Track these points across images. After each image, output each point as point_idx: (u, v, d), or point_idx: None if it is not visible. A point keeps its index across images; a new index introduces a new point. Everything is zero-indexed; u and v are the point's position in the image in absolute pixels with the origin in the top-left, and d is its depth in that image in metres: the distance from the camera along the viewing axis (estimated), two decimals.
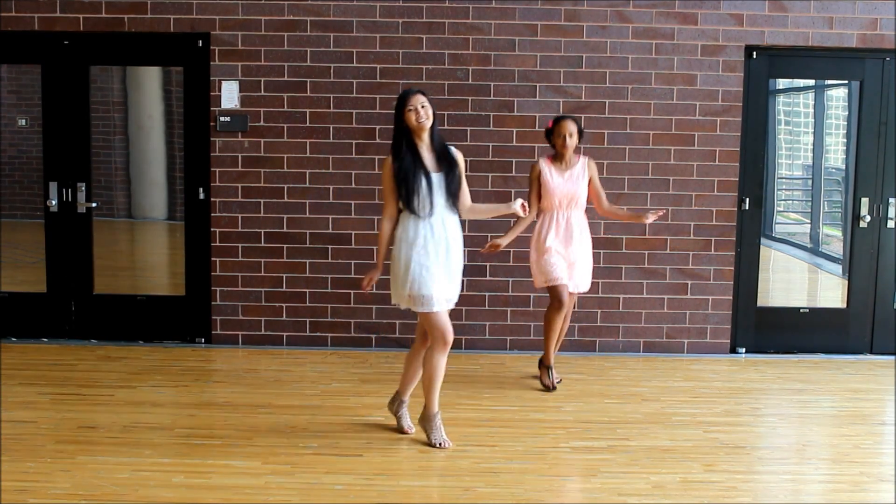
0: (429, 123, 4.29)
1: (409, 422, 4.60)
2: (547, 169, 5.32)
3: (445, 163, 4.32)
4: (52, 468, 4.04)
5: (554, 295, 5.34)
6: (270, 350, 6.26)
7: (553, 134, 5.31)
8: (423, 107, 4.25)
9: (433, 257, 4.26)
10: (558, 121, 5.31)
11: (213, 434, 4.56)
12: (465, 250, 4.46)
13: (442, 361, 4.35)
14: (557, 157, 5.35)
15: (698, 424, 4.86)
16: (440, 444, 4.38)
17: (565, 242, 5.30)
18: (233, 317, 6.34)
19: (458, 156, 4.41)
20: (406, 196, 4.25)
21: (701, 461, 4.31)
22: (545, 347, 5.48)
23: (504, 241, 5.27)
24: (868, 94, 6.36)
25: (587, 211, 5.44)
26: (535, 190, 5.35)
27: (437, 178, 4.28)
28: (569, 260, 5.31)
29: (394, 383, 5.49)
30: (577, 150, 5.41)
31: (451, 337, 4.30)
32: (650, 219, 5.32)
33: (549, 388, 5.41)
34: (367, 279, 4.48)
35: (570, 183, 5.30)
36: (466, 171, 4.57)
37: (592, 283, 6.17)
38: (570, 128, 5.26)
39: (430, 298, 4.25)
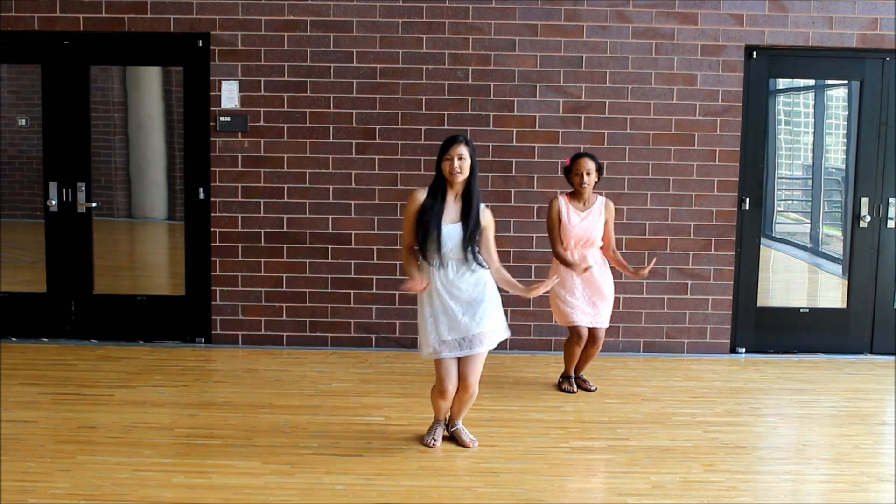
0: (460, 178, 4.20)
1: (470, 434, 4.51)
2: (565, 208, 5.24)
3: (470, 217, 4.23)
4: (52, 468, 4.04)
5: (574, 332, 5.33)
6: (270, 350, 6.26)
7: (570, 172, 5.24)
8: (459, 158, 4.19)
9: (438, 305, 4.24)
10: (576, 158, 5.23)
11: (213, 434, 4.56)
12: (484, 296, 4.30)
13: (439, 403, 4.36)
14: (576, 194, 5.27)
15: (698, 424, 4.86)
16: (426, 442, 4.46)
17: (586, 280, 5.22)
18: (233, 317, 6.34)
19: (486, 218, 4.32)
20: (421, 243, 4.25)
21: (701, 461, 4.31)
22: (565, 367, 5.49)
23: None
24: (868, 94, 6.36)
25: None
26: (555, 226, 5.24)
27: (451, 230, 4.22)
28: (592, 297, 5.25)
29: (394, 383, 5.52)
30: (596, 190, 5.34)
31: (448, 388, 4.25)
32: (644, 272, 5.23)
33: (571, 392, 5.42)
34: (411, 285, 4.20)
35: (587, 223, 5.22)
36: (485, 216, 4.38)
37: None
38: (588, 166, 5.17)
39: (433, 348, 4.25)
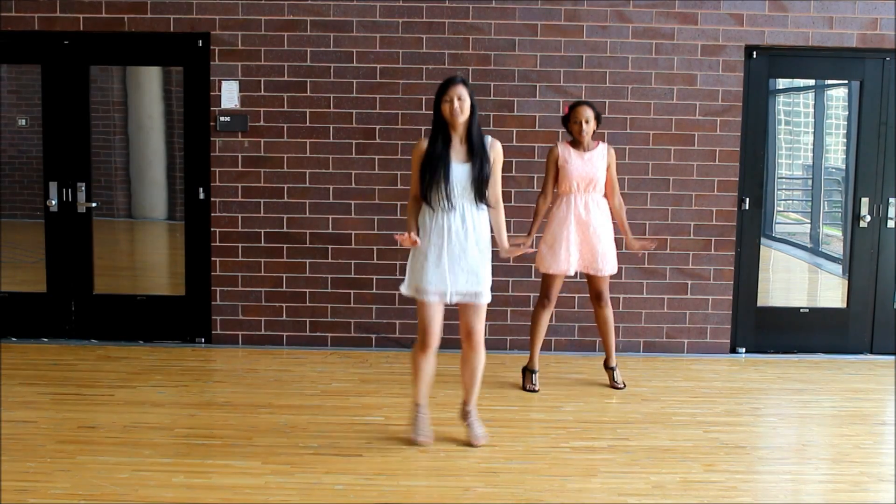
0: (462, 118, 4.20)
1: (482, 429, 4.46)
2: (566, 152, 5.24)
3: (477, 156, 4.22)
4: (52, 468, 4.04)
5: (544, 287, 5.34)
6: (270, 350, 6.26)
7: (569, 120, 5.25)
8: (459, 99, 4.18)
9: (442, 249, 4.21)
10: (574, 107, 5.24)
11: (213, 434, 4.56)
12: (482, 253, 4.29)
13: (420, 361, 4.33)
14: (575, 143, 5.28)
15: (698, 424, 4.86)
16: (413, 439, 4.39)
17: (584, 226, 5.21)
18: (233, 317, 6.34)
19: (494, 148, 4.29)
20: (425, 187, 4.22)
21: (701, 461, 4.31)
22: (530, 350, 5.46)
23: (529, 241, 5.05)
24: (868, 94, 6.36)
25: None
26: (551, 174, 5.27)
27: (461, 170, 4.20)
28: (589, 244, 5.21)
29: (394, 383, 5.52)
30: (596, 137, 5.34)
31: (430, 340, 4.25)
32: (639, 245, 5.33)
33: (534, 391, 5.38)
34: (404, 236, 4.18)
35: (589, 165, 5.20)
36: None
37: None
38: (587, 114, 5.18)
39: (422, 290, 4.23)
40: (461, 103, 4.19)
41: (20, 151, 6.46)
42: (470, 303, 4.28)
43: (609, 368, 5.54)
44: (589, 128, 5.21)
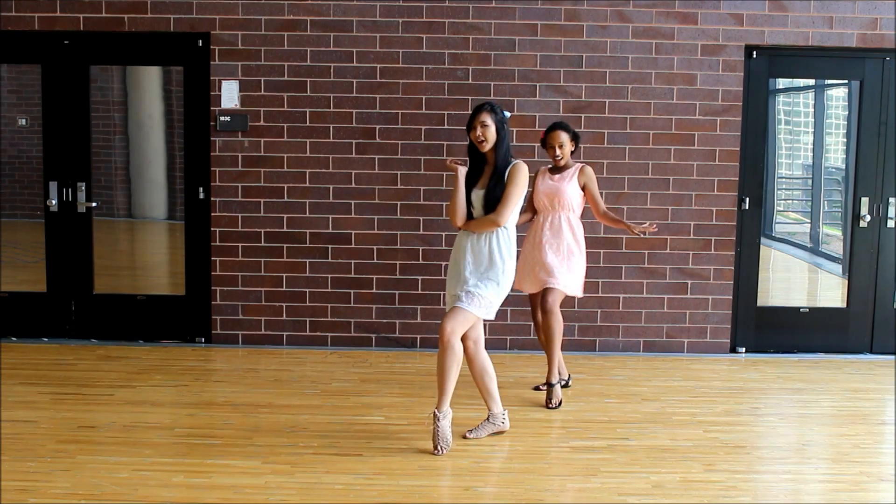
0: (486, 146, 4.28)
1: (485, 425, 4.53)
2: (542, 175, 5.25)
3: (493, 182, 4.29)
4: (52, 468, 4.04)
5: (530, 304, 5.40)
6: (270, 350, 6.26)
7: (545, 144, 5.21)
8: (483, 126, 4.24)
9: (456, 264, 4.36)
10: (549, 131, 5.19)
11: (213, 434, 4.56)
12: (493, 265, 4.31)
13: (441, 360, 4.30)
14: (554, 168, 5.23)
15: (698, 424, 4.86)
16: (435, 448, 4.29)
17: (549, 244, 5.09)
18: (233, 316, 6.34)
19: (513, 173, 4.26)
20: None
21: (701, 461, 4.31)
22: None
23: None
24: (868, 93, 6.36)
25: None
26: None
27: (476, 195, 4.33)
28: (535, 265, 5.11)
29: (394, 383, 5.52)
30: (574, 156, 5.29)
31: (442, 336, 4.27)
32: (640, 231, 5.07)
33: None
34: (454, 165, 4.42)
35: (556, 183, 5.16)
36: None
37: (592, 282, 6.19)
38: (561, 138, 5.12)
39: (446, 297, 4.47)
40: (484, 130, 4.25)
41: (20, 151, 6.46)
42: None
43: (549, 385, 5.18)
44: (564, 151, 5.14)
